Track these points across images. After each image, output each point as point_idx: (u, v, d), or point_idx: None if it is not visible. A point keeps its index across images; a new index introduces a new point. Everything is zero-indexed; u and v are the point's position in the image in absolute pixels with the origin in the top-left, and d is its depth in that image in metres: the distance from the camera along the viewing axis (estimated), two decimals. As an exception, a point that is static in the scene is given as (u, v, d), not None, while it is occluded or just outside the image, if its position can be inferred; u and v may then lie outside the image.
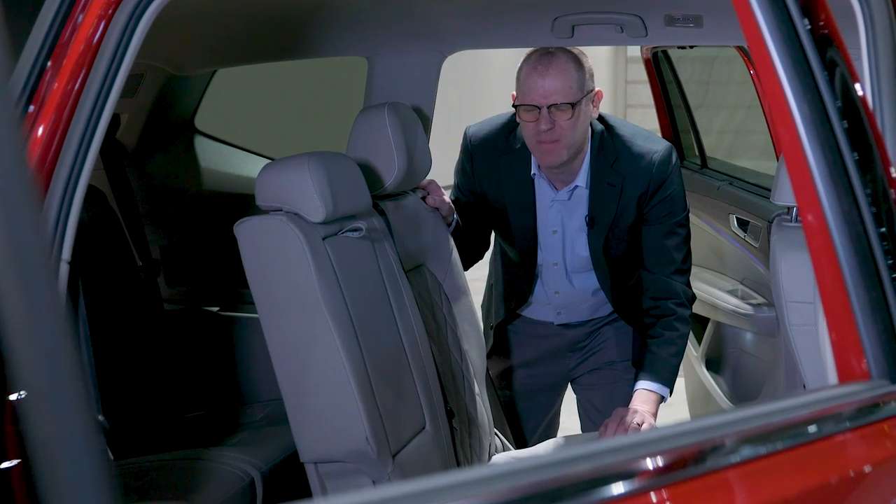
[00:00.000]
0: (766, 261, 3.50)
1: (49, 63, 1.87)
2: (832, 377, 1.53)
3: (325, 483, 2.49)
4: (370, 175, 2.78)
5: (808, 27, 1.52)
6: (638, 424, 2.94)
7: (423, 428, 2.71)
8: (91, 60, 1.87)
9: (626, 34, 2.96)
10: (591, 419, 3.38)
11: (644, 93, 4.75)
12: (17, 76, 1.87)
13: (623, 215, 3.03)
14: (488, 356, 3.36)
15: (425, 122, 3.33)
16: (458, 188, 3.24)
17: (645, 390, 3.06)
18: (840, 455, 1.40)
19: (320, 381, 2.43)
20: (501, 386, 3.44)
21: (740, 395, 3.88)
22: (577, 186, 3.04)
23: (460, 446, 2.89)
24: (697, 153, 4.62)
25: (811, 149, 1.50)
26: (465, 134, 3.17)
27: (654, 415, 3.06)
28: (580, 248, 3.12)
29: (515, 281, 3.28)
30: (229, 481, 2.75)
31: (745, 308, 3.73)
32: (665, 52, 4.54)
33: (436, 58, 3.29)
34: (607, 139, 3.02)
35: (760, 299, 3.71)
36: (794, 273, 2.68)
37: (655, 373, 3.08)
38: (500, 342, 3.42)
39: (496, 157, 3.09)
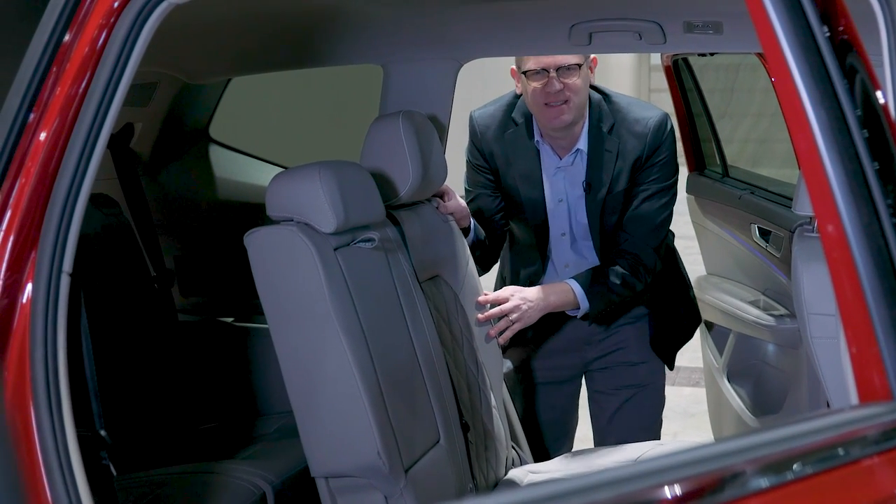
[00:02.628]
0: (788, 271, 3.45)
1: (52, 67, 1.84)
2: (852, 393, 1.48)
3: (337, 498, 2.46)
4: (384, 184, 2.75)
5: (828, 33, 1.48)
6: (512, 321, 3.05)
7: (438, 442, 2.67)
8: (95, 64, 1.84)
9: (645, 41, 2.92)
10: (601, 422, 3.40)
11: (667, 101, 4.71)
12: (20, 81, 1.84)
13: (618, 181, 3.14)
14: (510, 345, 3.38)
15: (441, 130, 3.30)
16: (472, 167, 3.31)
17: (570, 287, 3.11)
18: (868, 481, 1.34)
19: (331, 394, 2.40)
20: (519, 380, 3.45)
21: (762, 407, 3.83)
22: (578, 150, 3.16)
23: (475, 460, 2.85)
24: (719, 162, 4.56)
25: (830, 158, 1.46)
26: (471, 117, 3.28)
27: (549, 309, 3.10)
28: (581, 215, 3.21)
29: (527, 259, 3.32)
30: (240, 495, 2.72)
31: (766, 319, 3.68)
32: (686, 60, 4.49)
33: (451, 66, 3.26)
34: (605, 107, 3.16)
35: (783, 310, 3.66)
36: (817, 284, 2.63)
37: (592, 287, 3.12)
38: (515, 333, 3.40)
39: (501, 133, 3.22)
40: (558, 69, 3.01)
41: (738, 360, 4.09)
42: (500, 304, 3.06)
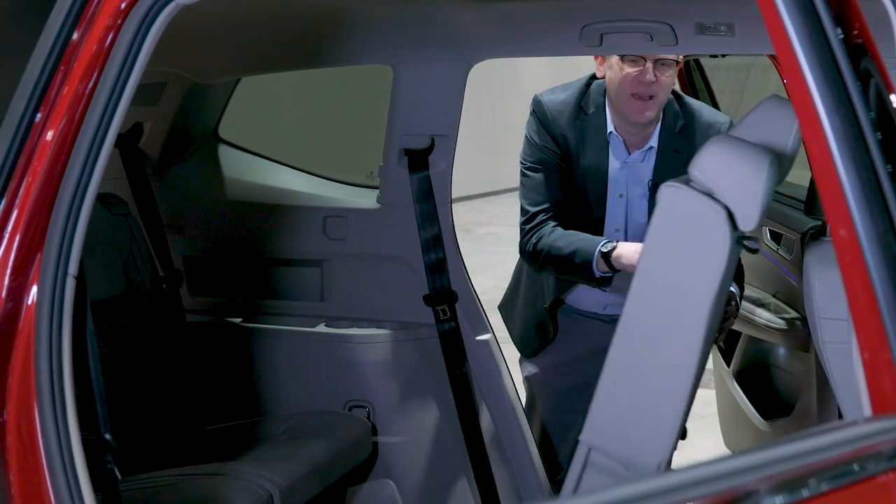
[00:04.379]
0: (799, 274, 3.43)
1: (60, 66, 1.83)
2: (864, 400, 1.46)
3: (587, 470, 2.36)
4: None
5: (841, 36, 1.46)
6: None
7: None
8: (103, 64, 1.83)
9: (656, 42, 2.90)
10: None
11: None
12: (27, 80, 1.83)
13: None
14: (545, 346, 3.34)
15: (451, 132, 3.28)
16: (537, 147, 3.18)
17: None
18: (885, 499, 1.30)
19: (659, 376, 2.27)
20: (540, 384, 3.43)
21: (772, 411, 3.81)
22: (651, 147, 3.14)
23: None
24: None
25: (842, 162, 1.44)
26: (538, 101, 3.21)
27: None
28: (640, 214, 3.17)
29: None
30: (247, 497, 2.70)
31: (777, 322, 3.66)
32: (697, 61, 4.48)
33: (462, 67, 3.24)
34: (676, 108, 3.15)
35: (793, 314, 3.63)
36: (828, 289, 2.61)
37: None
38: (545, 339, 3.38)
39: (573, 121, 3.16)
40: (656, 60, 3.00)
41: (748, 364, 4.07)
42: None
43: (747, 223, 2.17)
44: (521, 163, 3.23)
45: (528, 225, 3.18)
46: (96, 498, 1.74)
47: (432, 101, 3.26)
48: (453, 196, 3.42)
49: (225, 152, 3.75)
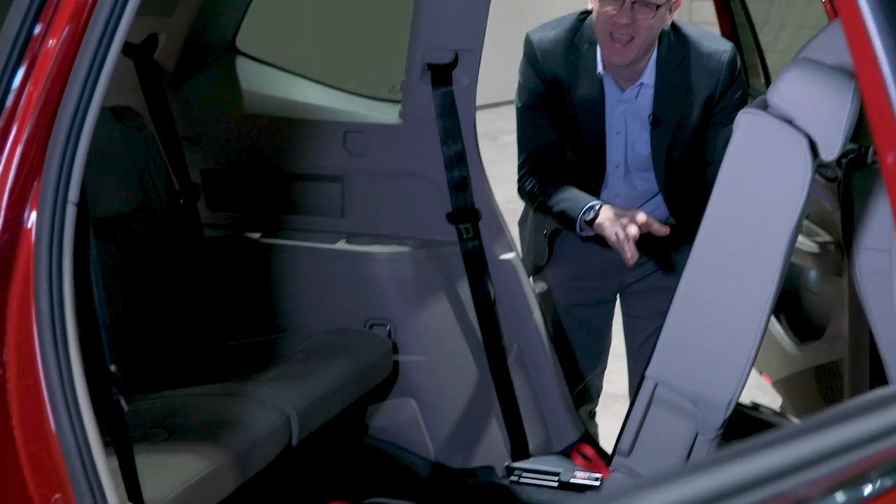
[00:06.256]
0: (834, 198, 3.32)
1: None
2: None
3: (653, 404, 2.34)
4: None
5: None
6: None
7: None
8: None
9: None
10: (634, 345, 3.37)
11: (709, 10, 4.62)
12: None
13: (689, 115, 3.04)
14: (544, 266, 3.33)
15: (476, 46, 3.17)
16: (526, 90, 3.14)
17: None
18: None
19: (731, 313, 2.20)
20: (552, 300, 3.40)
21: (802, 334, 3.74)
22: (642, 84, 3.04)
23: None
24: (762, 74, 4.42)
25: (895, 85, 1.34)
26: (528, 40, 3.12)
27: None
28: (641, 146, 3.10)
29: (577, 185, 3.18)
30: (264, 418, 2.66)
31: (809, 245, 3.56)
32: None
33: None
34: (674, 40, 3.03)
35: (827, 237, 3.53)
36: (869, 217, 2.50)
37: None
38: (554, 253, 3.35)
39: (564, 58, 3.07)
40: (634, 2, 2.84)
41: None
42: None
43: (829, 152, 2.06)
44: (515, 104, 3.19)
45: (522, 169, 3.19)
46: (101, 428, 1.68)
47: (457, 14, 3.15)
48: (479, 103, 3.32)
49: (243, 64, 3.65)
